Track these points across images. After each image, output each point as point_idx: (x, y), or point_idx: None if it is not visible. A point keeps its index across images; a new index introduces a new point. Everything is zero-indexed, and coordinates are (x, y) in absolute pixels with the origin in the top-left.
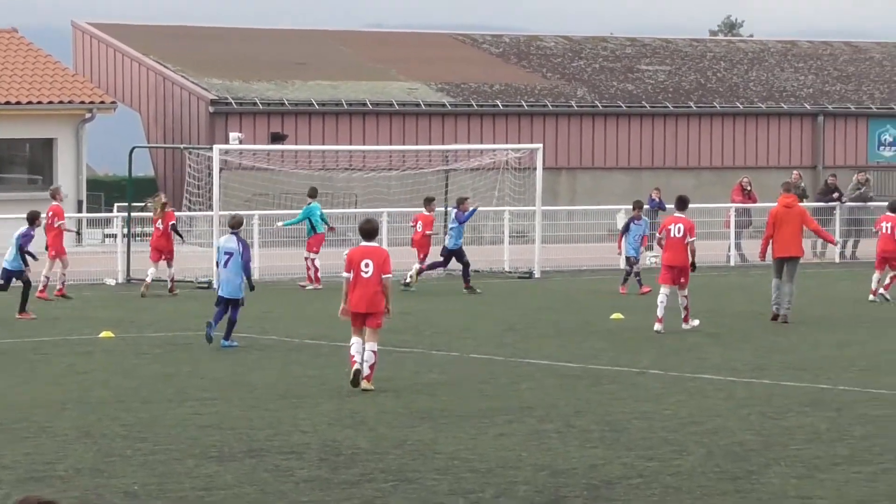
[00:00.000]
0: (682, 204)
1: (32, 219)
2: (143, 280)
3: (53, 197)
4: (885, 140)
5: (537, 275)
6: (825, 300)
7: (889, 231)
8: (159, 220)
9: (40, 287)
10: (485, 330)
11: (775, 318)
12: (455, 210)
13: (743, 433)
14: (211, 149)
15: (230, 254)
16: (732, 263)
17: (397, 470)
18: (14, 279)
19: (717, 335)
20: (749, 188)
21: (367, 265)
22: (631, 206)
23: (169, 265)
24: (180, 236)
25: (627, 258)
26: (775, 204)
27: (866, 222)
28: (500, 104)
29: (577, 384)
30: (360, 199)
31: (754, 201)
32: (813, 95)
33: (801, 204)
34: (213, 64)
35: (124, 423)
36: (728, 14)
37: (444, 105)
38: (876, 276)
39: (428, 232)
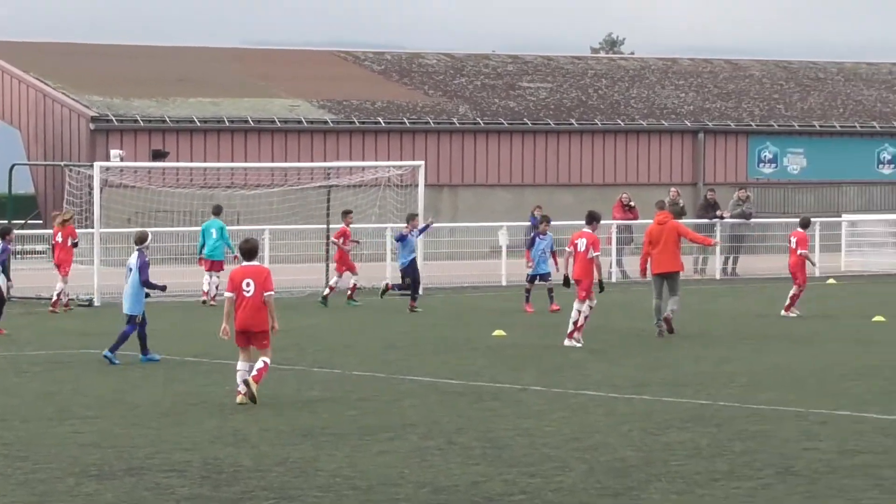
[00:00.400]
0: (589, 218)
1: (4, 233)
2: (50, 298)
3: None
4: (765, 157)
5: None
6: (706, 316)
7: (794, 246)
8: (59, 234)
9: None
10: (367, 347)
11: (662, 333)
12: (406, 227)
13: (624, 449)
14: (91, 166)
15: (130, 269)
16: (614, 280)
17: (279, 488)
18: None
19: (599, 351)
20: (629, 204)
21: (248, 284)
22: (527, 222)
23: (64, 280)
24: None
25: (536, 275)
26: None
27: (747, 239)
28: (381, 121)
29: (459, 401)
30: (241, 217)
31: (636, 217)
32: (693, 112)
33: (681, 221)
34: (93, 81)
35: (5, 442)
36: (609, 32)
37: (325, 122)
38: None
39: (347, 248)
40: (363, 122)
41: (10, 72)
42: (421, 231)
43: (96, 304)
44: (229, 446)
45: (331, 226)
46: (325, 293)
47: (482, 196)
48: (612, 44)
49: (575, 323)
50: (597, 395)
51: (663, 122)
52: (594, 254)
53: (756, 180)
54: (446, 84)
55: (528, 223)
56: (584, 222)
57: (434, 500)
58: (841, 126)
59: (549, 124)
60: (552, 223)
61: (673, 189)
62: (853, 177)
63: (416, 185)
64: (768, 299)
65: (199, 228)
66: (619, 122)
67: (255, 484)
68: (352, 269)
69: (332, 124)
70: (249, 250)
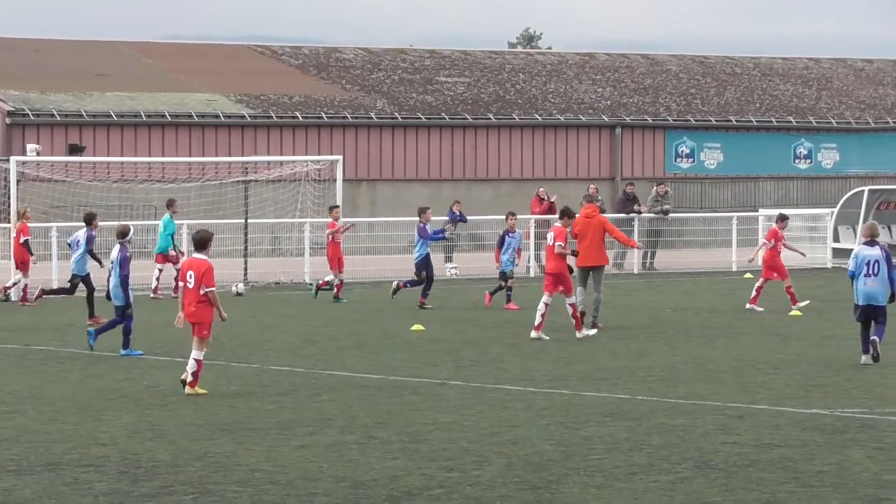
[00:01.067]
0: (561, 214)
1: (89, 220)
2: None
3: None
4: (682, 152)
5: (244, 288)
6: (624, 310)
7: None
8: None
9: None
10: (285, 341)
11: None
12: (421, 219)
13: (542, 443)
14: (8, 160)
15: (113, 263)
16: (532, 275)
17: (198, 482)
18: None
19: (518, 346)
20: (546, 198)
21: (190, 276)
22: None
23: (24, 276)
24: (30, 252)
25: (502, 273)
26: (577, 215)
27: (665, 233)
28: (299, 116)
29: (377, 395)
30: (158, 212)
31: (554, 212)
32: (611, 107)
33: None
34: (9, 75)
35: None
36: (527, 27)
37: (243, 116)
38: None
39: (339, 239)
40: (281, 117)
41: None
42: (436, 236)
43: (13, 298)
44: (148, 441)
45: (250, 220)
46: (333, 292)
47: (400, 190)
48: (529, 39)
49: (542, 315)
50: (515, 390)
51: (581, 116)
52: (558, 246)
53: (673, 175)
54: (364, 78)
55: (447, 218)
56: (502, 217)
57: (353, 495)
58: (757, 121)
59: (467, 119)
60: (469, 219)
61: (592, 185)
62: (770, 171)
63: (335, 180)
64: (685, 294)
65: (115, 223)
66: (537, 116)
67: (174, 479)
68: (339, 267)
69: (249, 119)
70: (199, 241)
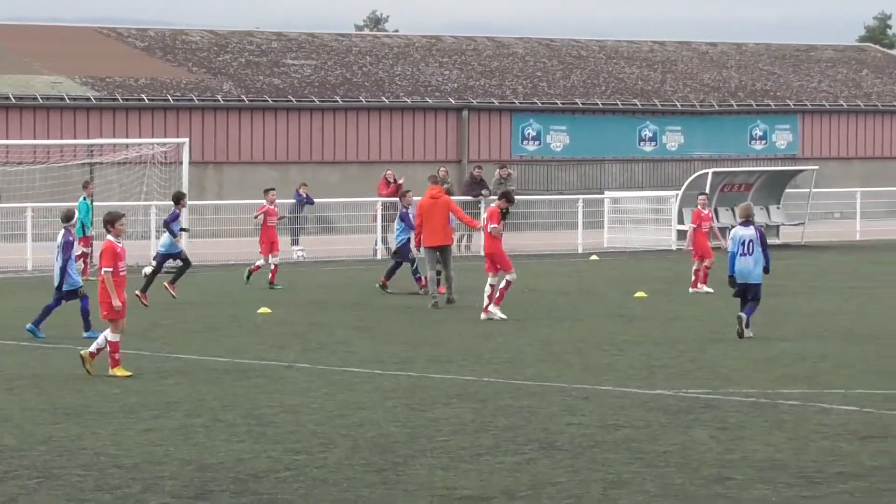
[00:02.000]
0: (500, 195)
1: (177, 199)
2: None
3: None
4: (529, 134)
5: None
6: (471, 292)
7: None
8: None
9: None
10: (132, 325)
11: (436, 303)
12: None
13: (389, 425)
14: None
15: (57, 248)
16: (380, 257)
17: (42, 467)
18: (173, 259)
19: (366, 328)
20: (393, 180)
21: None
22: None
23: None
24: None
25: (397, 250)
26: (417, 198)
27: (511, 216)
28: (145, 98)
29: (224, 378)
30: (4, 195)
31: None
32: (458, 90)
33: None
34: None
35: None
36: (373, 9)
37: (88, 99)
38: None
39: (274, 221)
40: (126, 99)
41: None
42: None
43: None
44: None
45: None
46: (269, 278)
47: (247, 173)
48: (376, 21)
49: (489, 297)
50: (362, 372)
51: (427, 99)
52: (493, 226)
53: (520, 157)
54: (210, 61)
55: (294, 200)
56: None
57: (199, 478)
58: (603, 104)
59: (314, 101)
60: (316, 202)
61: (442, 168)
62: (615, 154)
63: (181, 163)
64: (532, 275)
65: None
66: (384, 99)
67: (18, 463)
68: (274, 250)
69: (94, 101)
70: (107, 222)
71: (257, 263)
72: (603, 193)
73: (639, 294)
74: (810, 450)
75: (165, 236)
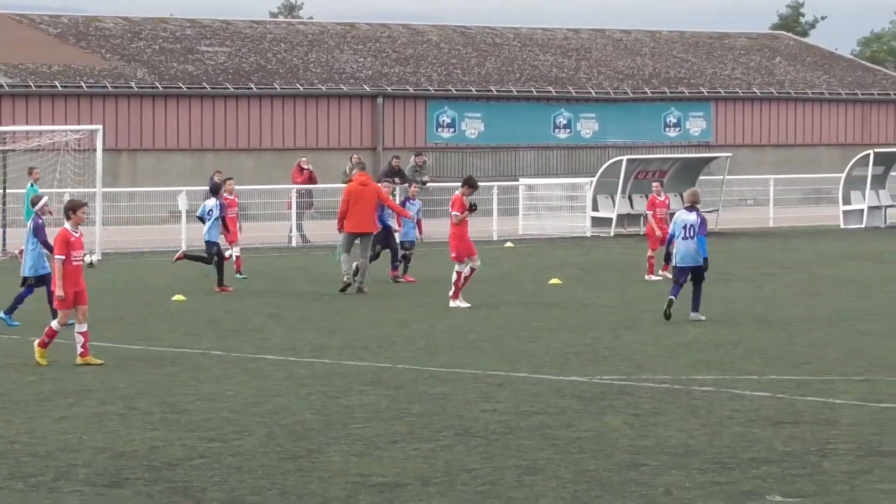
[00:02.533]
0: (463, 182)
1: (215, 190)
2: None
3: None
4: (444, 122)
5: (98, 257)
6: (387, 281)
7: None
8: None
9: None
10: (45, 313)
11: (346, 287)
12: (411, 191)
13: (304, 413)
14: None
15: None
16: (294, 245)
17: None
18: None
19: (279, 316)
20: (307, 167)
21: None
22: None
23: None
24: None
25: (401, 242)
26: (336, 185)
27: (425, 203)
28: (59, 85)
29: (137, 366)
30: None
31: (314, 182)
32: (372, 77)
33: None
34: None
35: None
36: None
37: (1, 86)
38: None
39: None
40: (39, 86)
41: None
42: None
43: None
44: None
45: (8, 191)
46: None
47: (162, 160)
48: (290, 8)
49: (455, 283)
50: (276, 360)
51: (342, 86)
52: (453, 213)
53: (435, 145)
54: (124, 48)
55: (208, 188)
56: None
57: (113, 466)
58: (518, 91)
59: (228, 88)
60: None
61: (355, 155)
62: (530, 141)
63: (95, 150)
64: (447, 264)
65: None
66: (298, 86)
67: None
68: (234, 240)
69: (7, 88)
70: (66, 210)
71: (236, 254)
72: (518, 180)
73: (553, 281)
74: (723, 436)
75: (206, 226)
